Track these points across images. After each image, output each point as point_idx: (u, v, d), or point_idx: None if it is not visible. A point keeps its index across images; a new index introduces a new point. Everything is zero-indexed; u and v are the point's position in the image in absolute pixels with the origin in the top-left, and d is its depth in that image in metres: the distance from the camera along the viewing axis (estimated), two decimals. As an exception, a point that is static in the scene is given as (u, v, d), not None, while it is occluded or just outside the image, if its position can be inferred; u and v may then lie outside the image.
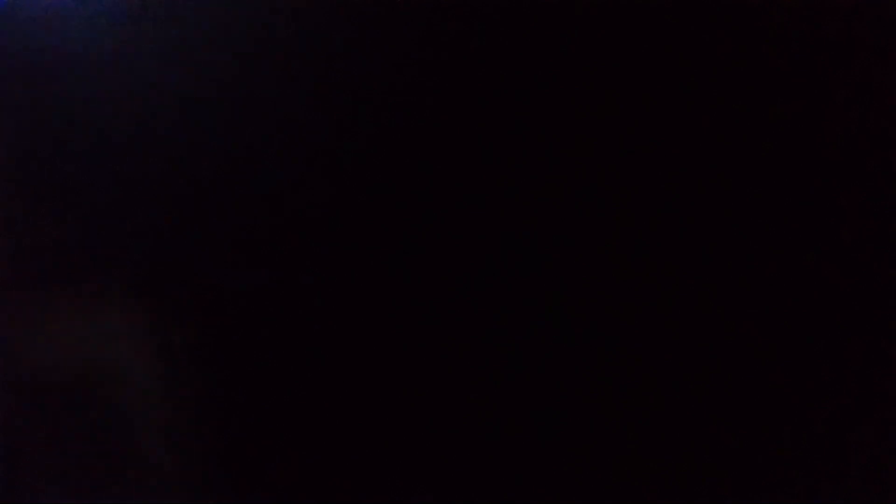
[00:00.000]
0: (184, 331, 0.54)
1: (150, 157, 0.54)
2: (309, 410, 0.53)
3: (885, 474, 0.49)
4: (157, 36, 0.54)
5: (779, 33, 0.50)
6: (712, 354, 0.50)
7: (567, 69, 0.51)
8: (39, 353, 0.55)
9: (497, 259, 0.52)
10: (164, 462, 0.55)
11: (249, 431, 0.54)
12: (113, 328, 0.55)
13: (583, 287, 0.51)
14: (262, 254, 0.54)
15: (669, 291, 0.50)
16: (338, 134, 0.53)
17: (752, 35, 0.50)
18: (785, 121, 0.50)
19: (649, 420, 0.51)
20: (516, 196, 0.51)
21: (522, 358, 0.52)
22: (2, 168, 0.56)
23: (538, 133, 0.51)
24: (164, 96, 0.54)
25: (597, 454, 0.51)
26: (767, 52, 0.50)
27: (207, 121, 0.54)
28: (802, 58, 0.49)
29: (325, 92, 0.53)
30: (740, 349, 0.50)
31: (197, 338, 0.55)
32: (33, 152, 0.55)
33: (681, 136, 0.50)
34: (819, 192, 0.50)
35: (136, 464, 0.55)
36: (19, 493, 0.56)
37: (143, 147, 0.54)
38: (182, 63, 0.54)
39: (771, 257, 0.50)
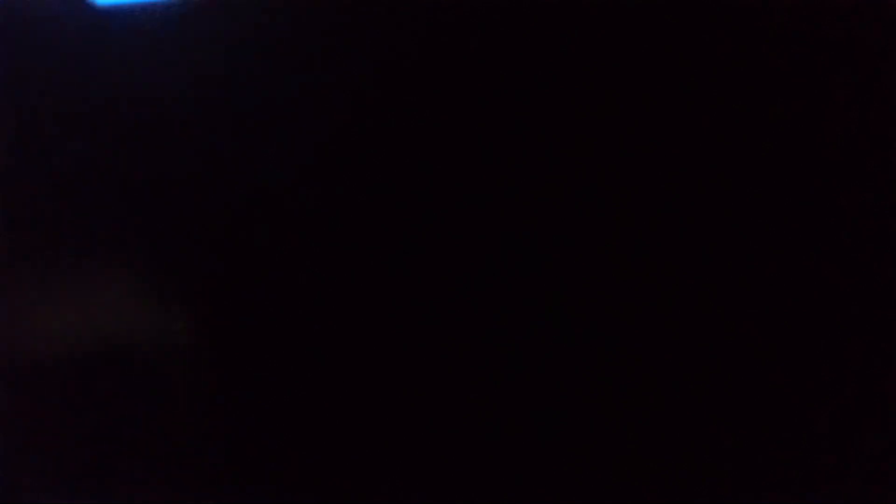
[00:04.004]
0: (185, 330, 0.54)
1: (153, 152, 0.54)
2: (310, 409, 0.53)
3: (886, 474, 0.49)
4: (161, 34, 0.54)
5: (779, 33, 0.50)
6: (712, 355, 0.50)
7: (567, 69, 0.51)
8: (39, 352, 0.55)
9: (496, 259, 0.52)
10: (166, 461, 0.55)
11: (251, 431, 0.54)
12: (114, 327, 0.55)
13: (582, 288, 0.51)
14: (264, 252, 0.54)
15: (669, 292, 0.50)
16: (342, 132, 0.53)
17: (752, 35, 0.50)
18: (785, 121, 0.50)
19: (649, 420, 0.51)
20: (515, 196, 0.51)
21: (522, 358, 0.51)
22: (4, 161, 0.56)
23: (537, 133, 0.51)
24: (168, 92, 0.54)
25: (597, 455, 0.51)
26: (767, 52, 0.50)
27: (208, 117, 0.54)
28: (802, 58, 0.49)
29: (329, 91, 0.53)
30: (741, 349, 0.50)
31: (198, 337, 0.54)
32: (35, 144, 0.55)
33: (681, 136, 0.50)
34: (819, 192, 0.50)
35: (137, 463, 0.55)
36: (19, 493, 0.55)
37: (144, 141, 0.54)
38: (188, 59, 0.54)
39: (771, 257, 0.50)
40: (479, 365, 0.52)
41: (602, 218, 0.51)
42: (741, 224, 0.50)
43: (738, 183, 0.50)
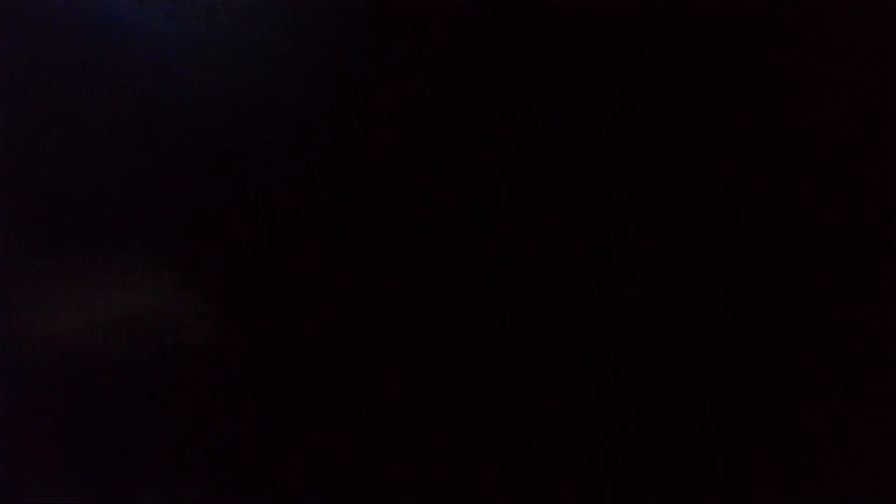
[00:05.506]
0: (184, 331, 0.55)
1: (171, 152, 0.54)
2: (312, 410, 0.53)
3: (886, 474, 0.49)
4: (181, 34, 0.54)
5: (779, 33, 0.50)
6: (713, 355, 0.50)
7: (568, 71, 0.51)
8: (40, 353, 0.56)
9: (497, 259, 0.52)
10: (165, 462, 0.55)
11: (251, 431, 0.54)
12: (114, 326, 0.55)
13: (584, 291, 0.51)
14: (268, 252, 0.54)
15: (670, 293, 0.51)
16: (354, 132, 0.53)
17: (752, 35, 0.50)
18: (785, 120, 0.50)
19: (650, 421, 0.51)
20: (516, 198, 0.51)
21: (523, 358, 0.52)
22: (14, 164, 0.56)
23: (537, 135, 0.51)
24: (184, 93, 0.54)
25: (603, 456, 0.51)
26: (767, 51, 0.50)
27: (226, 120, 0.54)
28: (802, 57, 0.50)
29: (338, 95, 0.53)
30: (741, 350, 0.50)
31: (197, 338, 0.55)
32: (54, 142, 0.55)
33: (680, 137, 0.50)
34: (818, 191, 0.50)
35: (137, 464, 0.55)
36: (19, 493, 0.56)
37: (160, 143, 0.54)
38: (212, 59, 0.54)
39: (771, 257, 0.50)
40: (486, 365, 0.52)
41: (604, 220, 0.51)
42: (740, 223, 0.50)
43: (739, 182, 0.50)
